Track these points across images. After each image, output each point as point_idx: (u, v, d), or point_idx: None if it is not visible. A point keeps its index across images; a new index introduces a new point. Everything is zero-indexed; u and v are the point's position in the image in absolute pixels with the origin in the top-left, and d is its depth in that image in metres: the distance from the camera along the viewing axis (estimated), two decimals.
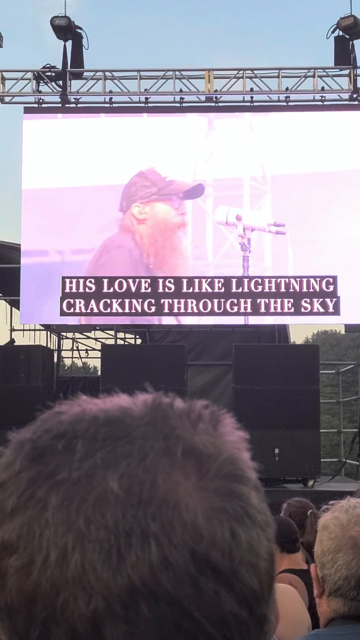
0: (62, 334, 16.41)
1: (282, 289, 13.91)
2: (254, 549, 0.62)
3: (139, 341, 17.05)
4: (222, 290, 13.92)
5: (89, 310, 14.04)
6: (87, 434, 0.64)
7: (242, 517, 0.62)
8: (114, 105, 14.96)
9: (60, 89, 15.00)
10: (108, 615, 0.58)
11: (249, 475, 0.65)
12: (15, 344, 15.63)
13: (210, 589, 0.59)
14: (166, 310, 13.99)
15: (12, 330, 16.01)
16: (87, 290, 14.07)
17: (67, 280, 14.09)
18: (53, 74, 15.11)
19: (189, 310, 13.96)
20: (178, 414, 0.66)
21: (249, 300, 13.88)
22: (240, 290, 13.91)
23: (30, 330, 15.98)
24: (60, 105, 15.01)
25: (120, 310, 14.07)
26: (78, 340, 16.93)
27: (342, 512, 2.26)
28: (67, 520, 0.60)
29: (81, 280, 14.09)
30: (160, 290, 14.00)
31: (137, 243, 14.19)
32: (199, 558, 0.59)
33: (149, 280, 14.05)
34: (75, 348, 17.01)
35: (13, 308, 16.00)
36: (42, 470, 0.62)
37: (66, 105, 14.98)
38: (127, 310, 14.05)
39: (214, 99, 14.92)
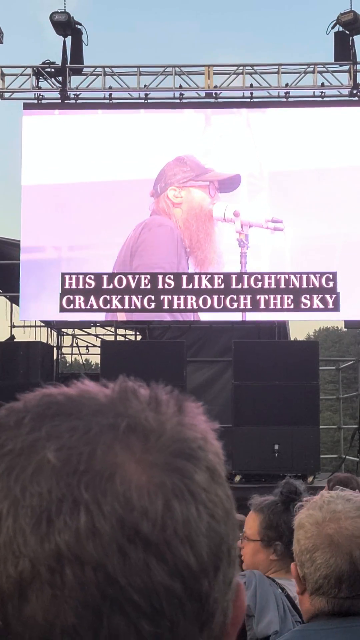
0: (62, 330, 16.41)
1: (282, 285, 13.90)
2: (190, 524, 0.63)
3: (138, 337, 17.04)
4: (222, 286, 13.92)
5: (88, 307, 14.04)
6: (38, 410, 0.67)
7: (181, 492, 0.63)
8: (114, 101, 14.94)
9: (60, 85, 14.98)
10: (34, 578, 0.60)
11: (200, 455, 0.66)
12: (15, 340, 15.62)
13: (139, 559, 0.60)
14: (166, 306, 13.99)
15: (12, 326, 15.99)
16: (86, 286, 14.08)
17: (67, 277, 14.09)
18: (52, 69, 15.10)
19: (189, 307, 13.96)
20: (140, 398, 0.68)
21: (248, 297, 13.88)
22: (240, 286, 13.91)
23: (30, 326, 15.96)
24: (59, 101, 15.00)
25: (119, 307, 14.07)
26: (78, 336, 16.93)
27: (317, 509, 2.23)
28: (5, 487, 0.62)
29: (81, 277, 14.09)
30: (160, 286, 14.00)
31: (177, 225, 14.21)
32: (128, 527, 0.61)
33: (148, 276, 14.05)
34: (75, 344, 17.00)
35: (13, 304, 15.99)
36: None
37: (66, 101, 14.96)
38: (126, 306, 14.05)
39: (214, 95, 14.91)
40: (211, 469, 0.67)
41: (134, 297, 14.03)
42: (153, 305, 14.00)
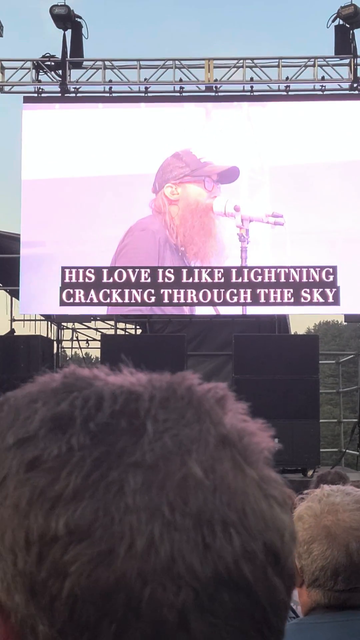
0: (62, 324, 16.42)
1: (282, 279, 13.91)
2: (294, 535, 0.62)
3: (139, 331, 17.05)
4: (222, 280, 13.92)
5: (88, 301, 14.04)
6: (150, 414, 0.61)
7: (285, 502, 0.62)
8: (114, 94, 14.92)
9: (60, 79, 14.96)
10: (196, 606, 0.56)
11: (269, 457, 0.65)
12: (15, 334, 15.62)
13: (273, 579, 0.59)
14: (166, 300, 13.99)
15: (12, 320, 15.99)
16: (86, 280, 14.08)
17: (67, 271, 14.09)
18: (52, 63, 15.09)
19: (189, 301, 13.97)
20: (200, 395, 0.65)
21: (248, 291, 13.88)
22: (240, 280, 13.91)
23: (30, 320, 15.96)
24: (59, 94, 14.98)
25: (120, 300, 14.08)
26: (78, 330, 16.93)
27: (316, 501, 2.24)
28: (150, 505, 0.57)
29: (81, 271, 14.09)
30: (160, 280, 14.00)
31: (168, 224, 14.21)
32: (268, 546, 0.59)
33: (148, 270, 14.05)
34: (75, 338, 17.01)
35: (13, 298, 15.99)
36: (108, 451, 0.59)
37: (66, 95, 14.95)
38: (126, 300, 14.05)
39: (214, 89, 14.89)
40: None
41: (134, 291, 14.03)
42: (153, 299, 14.01)
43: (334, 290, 13.87)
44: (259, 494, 0.60)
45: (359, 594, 2.16)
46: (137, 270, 14.06)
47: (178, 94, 14.83)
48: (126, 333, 17.15)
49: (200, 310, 14.24)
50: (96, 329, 16.94)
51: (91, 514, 0.57)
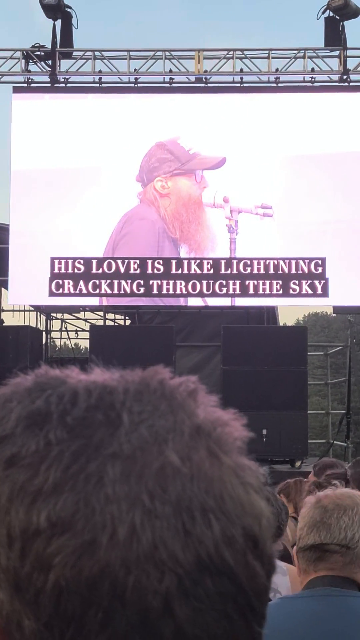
0: (51, 314, 16.41)
1: (271, 271, 13.93)
2: (270, 519, 0.63)
3: (128, 322, 17.04)
4: (211, 271, 13.94)
5: (77, 291, 14.04)
6: (125, 407, 0.62)
7: (261, 489, 0.63)
8: (104, 85, 14.89)
9: (50, 69, 14.92)
10: (179, 591, 0.57)
11: (243, 447, 0.65)
12: (4, 324, 15.61)
13: (254, 564, 0.60)
14: (155, 291, 14.01)
15: (1, 310, 15.98)
16: (75, 271, 14.07)
17: (56, 261, 14.08)
18: (42, 53, 15.03)
19: (178, 292, 13.98)
20: (172, 387, 0.66)
21: (237, 282, 13.90)
22: (229, 271, 13.93)
23: (19, 310, 15.95)
24: (49, 85, 14.94)
25: (109, 291, 14.08)
26: (67, 321, 16.93)
27: (324, 493, 2.39)
28: (130, 495, 0.58)
29: (70, 261, 14.08)
30: (149, 271, 14.01)
31: (162, 216, 14.21)
32: (247, 531, 0.60)
33: (137, 261, 14.05)
34: (64, 329, 17.00)
35: (2, 288, 15.97)
36: (86, 444, 0.60)
37: (55, 85, 14.91)
38: (115, 291, 14.06)
39: (204, 80, 14.87)
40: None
41: (123, 282, 14.03)
42: (142, 290, 14.02)
43: (322, 281, 13.90)
44: (235, 481, 0.61)
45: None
46: (126, 261, 14.06)
47: (168, 85, 14.81)
48: (115, 324, 17.15)
49: (192, 301, 14.26)
50: (85, 320, 16.93)
51: (72, 506, 0.57)
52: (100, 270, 14.05)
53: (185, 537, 0.57)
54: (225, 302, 14.19)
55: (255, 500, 0.62)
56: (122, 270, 14.04)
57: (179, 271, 13.98)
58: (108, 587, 0.56)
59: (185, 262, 14.02)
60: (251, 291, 13.91)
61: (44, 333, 16.12)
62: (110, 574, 0.56)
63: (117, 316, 17.44)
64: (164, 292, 14.01)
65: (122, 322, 17.37)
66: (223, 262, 13.95)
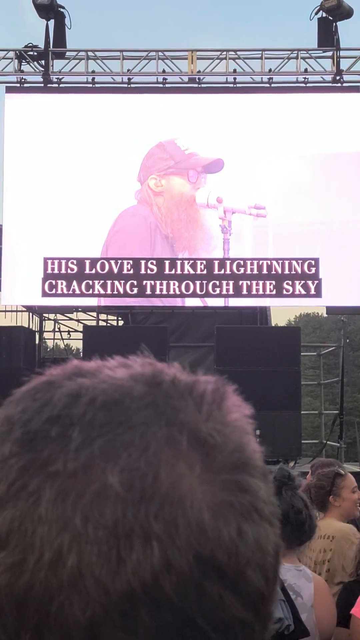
0: (43, 315, 16.37)
1: (264, 271, 13.93)
2: (261, 547, 0.57)
3: (121, 323, 17.02)
4: (205, 272, 13.93)
5: (70, 292, 14.02)
6: (84, 419, 0.58)
7: (249, 513, 0.57)
8: (97, 85, 14.88)
9: (43, 69, 14.90)
10: (105, 623, 0.53)
11: (256, 462, 0.61)
12: None
13: (214, 593, 0.54)
14: (148, 291, 14.00)
15: None
16: (69, 271, 14.05)
17: (49, 261, 14.05)
18: (35, 53, 15.01)
19: (171, 292, 13.97)
20: (180, 392, 0.61)
21: (231, 282, 13.90)
22: (222, 272, 13.93)
23: (11, 311, 15.91)
24: (42, 85, 14.92)
25: (102, 292, 14.06)
26: (60, 321, 16.89)
27: None
28: (62, 517, 0.54)
29: (63, 261, 14.06)
30: (143, 271, 14.00)
31: (155, 214, 14.21)
32: (204, 560, 0.54)
33: (131, 261, 14.04)
34: (57, 329, 16.96)
35: None
36: (34, 459, 0.57)
37: (48, 85, 14.89)
38: (109, 291, 14.04)
39: (197, 80, 14.86)
40: (265, 474, 0.62)
41: (116, 282, 14.01)
42: (135, 290, 14.00)
43: (315, 282, 13.91)
44: (205, 503, 0.56)
45: None
46: (119, 261, 14.05)
47: (161, 86, 14.80)
48: (108, 324, 17.12)
49: (189, 302, 14.26)
50: (78, 320, 16.90)
51: (10, 524, 0.56)
52: (93, 271, 14.03)
53: (117, 565, 0.53)
54: (218, 302, 14.18)
55: (229, 528, 0.56)
56: (116, 270, 14.02)
57: (173, 271, 13.97)
58: (34, 611, 0.54)
59: (179, 262, 14.01)
60: (245, 291, 13.91)
61: (36, 333, 16.09)
62: (34, 598, 0.54)
63: (110, 316, 17.41)
64: (158, 292, 14.01)
65: (115, 323, 17.34)
66: (216, 262, 13.95)
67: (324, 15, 14.71)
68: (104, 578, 0.53)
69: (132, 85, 14.86)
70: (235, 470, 0.58)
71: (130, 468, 0.55)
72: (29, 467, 0.57)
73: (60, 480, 0.56)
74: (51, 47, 14.91)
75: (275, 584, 0.60)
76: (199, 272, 13.94)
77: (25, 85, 15.03)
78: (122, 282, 14.01)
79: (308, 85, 14.74)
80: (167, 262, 14.01)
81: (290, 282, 13.91)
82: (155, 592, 0.53)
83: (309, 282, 13.91)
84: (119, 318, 17.08)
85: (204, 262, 13.96)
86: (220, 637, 0.55)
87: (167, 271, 13.97)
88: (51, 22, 14.90)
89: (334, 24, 14.72)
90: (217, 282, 13.91)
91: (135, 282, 13.99)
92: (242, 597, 0.56)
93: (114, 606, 0.53)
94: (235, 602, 0.55)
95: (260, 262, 13.94)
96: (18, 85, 14.96)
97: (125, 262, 14.03)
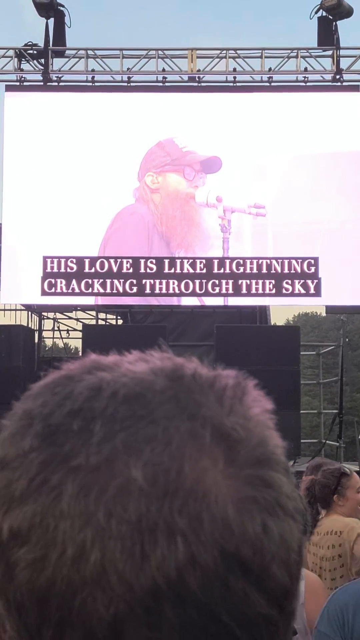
0: (42, 314, 16.37)
1: (264, 270, 13.92)
2: (285, 543, 0.57)
3: (120, 321, 17.02)
4: (204, 271, 13.92)
5: (70, 290, 14.01)
6: (106, 413, 0.57)
7: (273, 508, 0.57)
8: (96, 84, 14.87)
9: (42, 67, 14.89)
10: (129, 619, 0.52)
11: (279, 457, 0.61)
12: None
13: (239, 590, 0.54)
14: (148, 290, 13.99)
15: None
16: (68, 270, 14.04)
17: (49, 260, 14.05)
18: (35, 52, 15.00)
19: (171, 291, 13.97)
20: (201, 386, 0.61)
21: (230, 281, 13.89)
22: (221, 271, 13.92)
23: (10, 310, 15.90)
24: (42, 83, 14.91)
25: (101, 291, 14.05)
26: (59, 320, 16.89)
27: None
28: (85, 512, 0.54)
29: (62, 260, 14.05)
30: (142, 270, 13.99)
31: (152, 211, 14.21)
32: (229, 556, 0.54)
33: (130, 260, 14.03)
34: (56, 328, 16.96)
35: None
36: (55, 453, 0.56)
37: (48, 84, 14.88)
38: (108, 290, 14.03)
39: (197, 79, 14.86)
40: (287, 469, 0.61)
41: (115, 281, 14.01)
42: (135, 289, 14.00)
43: (315, 281, 13.90)
44: (229, 498, 0.55)
45: None
46: (119, 260, 14.04)
47: (161, 84, 14.79)
48: (107, 323, 17.12)
49: (186, 301, 14.25)
50: (77, 319, 16.90)
51: (30, 519, 0.55)
52: (92, 270, 14.03)
53: (141, 560, 0.53)
54: (218, 301, 14.18)
55: (253, 523, 0.55)
56: (115, 269, 14.01)
57: (172, 270, 13.96)
58: (56, 607, 0.54)
59: (178, 261, 14.00)
60: (244, 291, 13.91)
61: (36, 332, 16.09)
62: (57, 594, 0.54)
63: (109, 315, 17.41)
64: (157, 291, 14.00)
65: (114, 322, 17.34)
66: (216, 261, 13.94)
67: (324, 14, 14.70)
68: (128, 574, 0.53)
69: (132, 84, 14.86)
70: (259, 465, 0.58)
71: (153, 462, 0.55)
72: (50, 462, 0.56)
73: (83, 474, 0.55)
74: (51, 45, 14.90)
75: (298, 580, 0.59)
76: (198, 271, 13.93)
77: (25, 83, 15.02)
78: (122, 281, 14.00)
79: (308, 84, 14.73)
80: (166, 261, 14.01)
81: (289, 281, 13.90)
82: (180, 588, 0.53)
83: (309, 282, 13.91)
84: (118, 317, 17.09)
85: (204, 261, 13.95)
86: (245, 633, 0.54)
87: (166, 270, 13.97)
88: (51, 21, 14.89)
89: (334, 23, 14.71)
90: (217, 281, 13.90)
91: (134, 281, 13.98)
92: (266, 594, 0.55)
93: (138, 602, 0.52)
94: (260, 599, 0.55)
95: (260, 261, 13.93)
96: (18, 83, 14.95)
97: (124, 261, 14.03)
